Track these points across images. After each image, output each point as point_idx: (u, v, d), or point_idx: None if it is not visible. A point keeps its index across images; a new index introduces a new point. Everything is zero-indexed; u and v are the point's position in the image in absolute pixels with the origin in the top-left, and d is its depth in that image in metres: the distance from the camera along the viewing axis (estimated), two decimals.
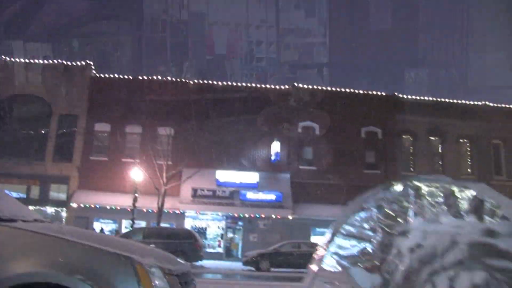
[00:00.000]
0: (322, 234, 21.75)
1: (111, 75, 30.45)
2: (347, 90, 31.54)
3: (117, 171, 27.52)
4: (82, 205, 27.23)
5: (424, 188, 1.23)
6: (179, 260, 4.88)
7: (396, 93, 31.90)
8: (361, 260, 1.17)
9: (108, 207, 27.20)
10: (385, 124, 31.01)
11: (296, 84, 30.92)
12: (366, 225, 1.21)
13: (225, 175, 28.40)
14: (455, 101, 33.09)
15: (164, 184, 25.72)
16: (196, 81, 28.87)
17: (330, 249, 1.23)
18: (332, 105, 30.63)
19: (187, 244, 21.46)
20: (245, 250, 26.52)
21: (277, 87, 31.06)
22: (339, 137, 29.84)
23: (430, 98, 32.61)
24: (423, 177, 1.28)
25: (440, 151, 32.10)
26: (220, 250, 29.03)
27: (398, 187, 1.25)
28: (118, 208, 26.89)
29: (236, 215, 28.45)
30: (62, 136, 29.20)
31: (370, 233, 1.19)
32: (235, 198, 28.10)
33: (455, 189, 1.17)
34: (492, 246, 0.99)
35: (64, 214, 27.98)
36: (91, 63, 30.36)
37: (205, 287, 11.96)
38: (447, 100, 32.89)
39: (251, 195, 28.20)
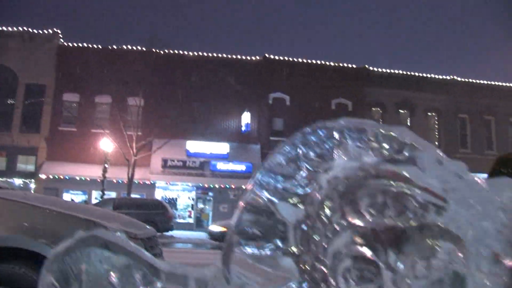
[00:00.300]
0: None
1: (80, 44, 29.79)
2: (318, 61, 31.63)
3: (87, 141, 27.25)
4: (51, 176, 26.91)
5: (349, 130, 1.32)
6: (145, 225, 4.96)
7: (366, 66, 32.16)
8: (286, 194, 1.26)
9: (77, 178, 26.99)
10: (355, 96, 31.35)
11: (267, 55, 30.82)
12: (293, 164, 1.30)
13: (195, 146, 28.39)
14: (424, 74, 33.57)
15: (134, 155, 25.65)
16: (166, 51, 28.45)
17: (258, 185, 1.32)
18: (303, 77, 30.74)
19: (157, 214, 21.54)
20: (215, 220, 26.76)
21: (248, 57, 30.90)
22: (309, 108, 30.00)
23: (400, 71, 32.99)
24: (349, 120, 1.37)
25: (408, 123, 32.65)
26: (191, 220, 29.22)
27: (324, 129, 1.34)
28: (88, 179, 26.74)
29: (206, 185, 28.59)
30: (30, 106, 28.56)
31: (296, 170, 1.28)
32: (205, 169, 28.20)
33: (379, 132, 1.27)
34: (391, 172, 1.09)
35: (32, 185, 27.64)
36: (59, 31, 29.60)
37: (175, 256, 12.11)
38: (416, 73, 33.34)
39: (221, 165, 28.33)
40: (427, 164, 1.09)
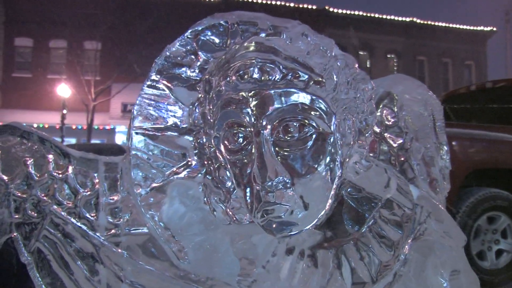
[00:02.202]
0: None
1: None
2: (278, 2, 31.11)
3: (43, 88, 26.46)
4: None
5: (243, 23, 1.43)
6: None
7: (326, 7, 31.90)
8: (182, 80, 1.37)
9: (35, 125, 26.36)
10: None
11: None
12: (190, 54, 1.40)
13: None
14: (384, 16, 33.59)
15: (92, 100, 25.18)
16: None
17: (157, 72, 1.43)
18: None
19: None
20: None
21: None
22: None
23: (361, 13, 32.89)
24: (242, 13, 1.48)
25: (368, 65, 32.92)
26: None
27: (220, 21, 1.45)
28: (46, 126, 26.15)
29: None
30: None
31: (193, 59, 1.39)
32: None
33: (269, 24, 1.39)
34: (258, 42, 1.21)
35: None
36: None
37: None
38: (376, 15, 33.32)
39: None
40: (293, 36, 1.20)
